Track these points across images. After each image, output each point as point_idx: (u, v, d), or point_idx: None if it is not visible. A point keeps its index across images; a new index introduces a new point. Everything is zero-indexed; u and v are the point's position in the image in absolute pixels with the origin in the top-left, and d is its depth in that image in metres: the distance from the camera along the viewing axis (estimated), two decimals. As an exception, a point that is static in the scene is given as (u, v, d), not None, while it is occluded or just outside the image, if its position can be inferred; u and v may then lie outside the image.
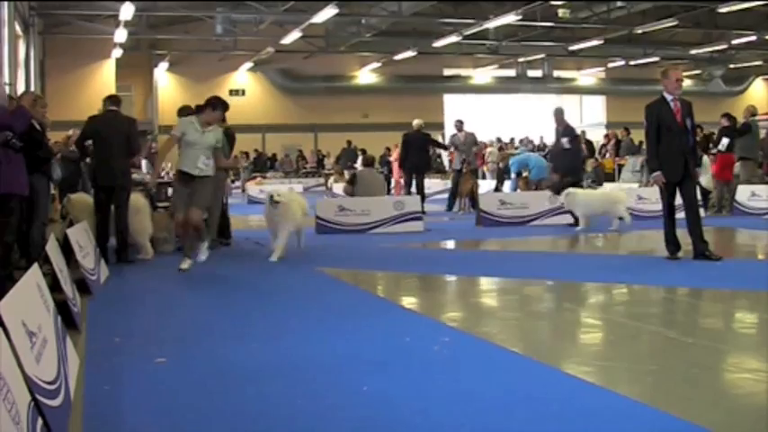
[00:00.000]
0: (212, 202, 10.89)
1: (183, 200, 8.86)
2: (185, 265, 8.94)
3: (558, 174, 13.83)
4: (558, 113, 13.88)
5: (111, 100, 10.18)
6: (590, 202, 13.17)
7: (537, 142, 31.12)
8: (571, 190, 13.09)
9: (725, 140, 15.69)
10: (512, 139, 29.25)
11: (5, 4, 16.63)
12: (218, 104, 9.09)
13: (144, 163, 15.20)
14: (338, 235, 12.80)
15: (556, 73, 37.63)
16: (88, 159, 10.70)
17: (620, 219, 12.86)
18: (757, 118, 16.65)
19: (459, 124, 18.82)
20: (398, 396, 4.17)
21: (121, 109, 10.25)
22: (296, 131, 35.01)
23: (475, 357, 5.03)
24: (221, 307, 7.06)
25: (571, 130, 14.07)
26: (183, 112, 11.34)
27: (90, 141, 10.02)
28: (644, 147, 18.38)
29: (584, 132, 25.96)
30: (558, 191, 13.59)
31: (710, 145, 18.53)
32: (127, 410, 4.05)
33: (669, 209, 9.02)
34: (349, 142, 29.73)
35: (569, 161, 13.88)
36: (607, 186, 18.01)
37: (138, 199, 10.34)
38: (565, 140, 13.62)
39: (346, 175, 22.79)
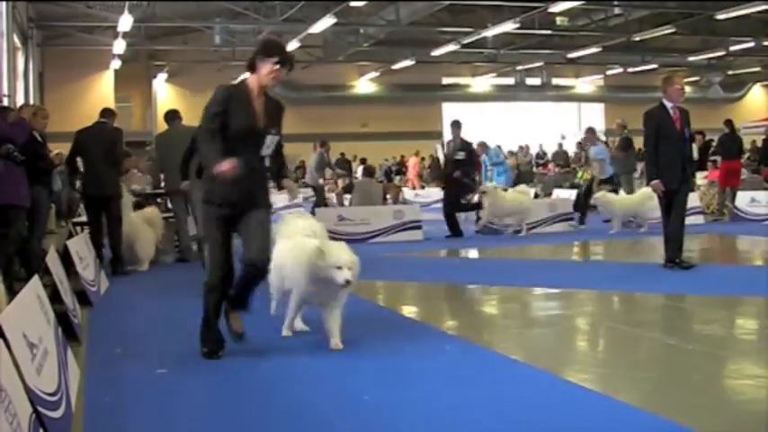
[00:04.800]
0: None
1: None
2: None
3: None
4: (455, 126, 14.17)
5: (102, 112, 10.19)
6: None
7: (536, 150, 31.13)
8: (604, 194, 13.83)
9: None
10: (522, 147, 29.06)
11: (4, 16, 16.66)
12: None
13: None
14: (338, 244, 12.74)
15: (554, 81, 37.66)
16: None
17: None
18: (752, 124, 16.75)
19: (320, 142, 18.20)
20: (399, 405, 4.16)
21: (117, 120, 10.25)
22: (295, 141, 34.87)
23: (476, 365, 5.03)
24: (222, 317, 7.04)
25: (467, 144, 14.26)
26: (169, 116, 11.37)
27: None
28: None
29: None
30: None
31: (710, 152, 18.57)
32: (128, 422, 4.05)
33: (668, 215, 8.99)
34: (342, 154, 29.61)
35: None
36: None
37: (152, 212, 10.41)
38: (461, 153, 13.86)
39: (339, 182, 22.59)
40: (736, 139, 16.49)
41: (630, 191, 15.81)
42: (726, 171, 15.66)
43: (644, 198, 13.15)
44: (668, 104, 8.84)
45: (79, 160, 9.92)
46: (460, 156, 13.77)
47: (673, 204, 8.84)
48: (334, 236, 12.99)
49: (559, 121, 37.83)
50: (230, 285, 5.33)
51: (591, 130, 15.97)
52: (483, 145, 20.18)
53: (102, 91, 29.01)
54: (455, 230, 13.89)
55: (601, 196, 13.89)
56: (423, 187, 28.27)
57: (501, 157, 20.36)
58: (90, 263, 8.27)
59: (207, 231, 5.42)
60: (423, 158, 31.91)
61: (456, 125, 14.14)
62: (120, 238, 9.82)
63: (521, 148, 29.08)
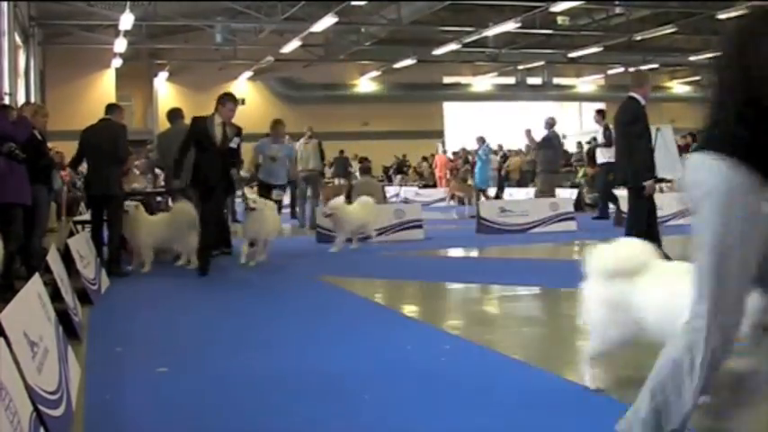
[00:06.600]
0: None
1: None
2: None
3: None
4: None
5: (107, 108, 10.03)
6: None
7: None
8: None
9: None
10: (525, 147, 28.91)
11: (5, 15, 16.67)
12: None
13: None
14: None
15: (555, 80, 37.67)
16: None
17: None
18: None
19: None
20: (400, 404, 4.17)
21: (120, 117, 10.02)
22: (296, 140, 34.96)
23: (476, 364, 5.03)
24: (223, 316, 7.06)
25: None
26: (172, 114, 11.33)
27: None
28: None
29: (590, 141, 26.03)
30: None
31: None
32: (128, 420, 4.05)
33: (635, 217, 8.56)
34: (341, 152, 29.57)
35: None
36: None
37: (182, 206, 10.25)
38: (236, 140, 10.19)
39: (337, 182, 22.29)
40: None
41: (550, 191, 15.78)
42: None
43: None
44: (642, 101, 8.52)
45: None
46: (234, 143, 9.90)
47: (651, 206, 8.53)
48: (333, 234, 13.02)
49: (560, 121, 37.74)
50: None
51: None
52: (481, 140, 20.28)
53: (103, 89, 29.06)
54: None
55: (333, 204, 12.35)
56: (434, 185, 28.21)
57: (489, 155, 20.55)
58: (91, 261, 8.27)
59: None
60: (425, 158, 31.90)
61: (227, 98, 9.83)
62: (118, 239, 9.73)
63: (528, 147, 28.89)
